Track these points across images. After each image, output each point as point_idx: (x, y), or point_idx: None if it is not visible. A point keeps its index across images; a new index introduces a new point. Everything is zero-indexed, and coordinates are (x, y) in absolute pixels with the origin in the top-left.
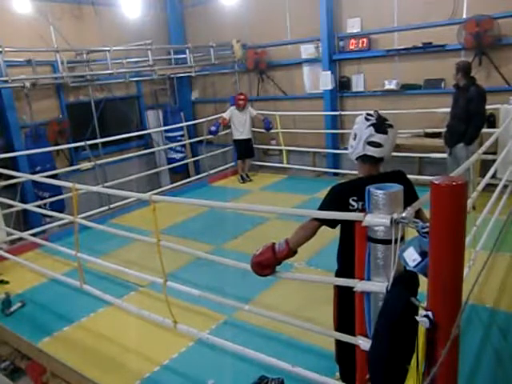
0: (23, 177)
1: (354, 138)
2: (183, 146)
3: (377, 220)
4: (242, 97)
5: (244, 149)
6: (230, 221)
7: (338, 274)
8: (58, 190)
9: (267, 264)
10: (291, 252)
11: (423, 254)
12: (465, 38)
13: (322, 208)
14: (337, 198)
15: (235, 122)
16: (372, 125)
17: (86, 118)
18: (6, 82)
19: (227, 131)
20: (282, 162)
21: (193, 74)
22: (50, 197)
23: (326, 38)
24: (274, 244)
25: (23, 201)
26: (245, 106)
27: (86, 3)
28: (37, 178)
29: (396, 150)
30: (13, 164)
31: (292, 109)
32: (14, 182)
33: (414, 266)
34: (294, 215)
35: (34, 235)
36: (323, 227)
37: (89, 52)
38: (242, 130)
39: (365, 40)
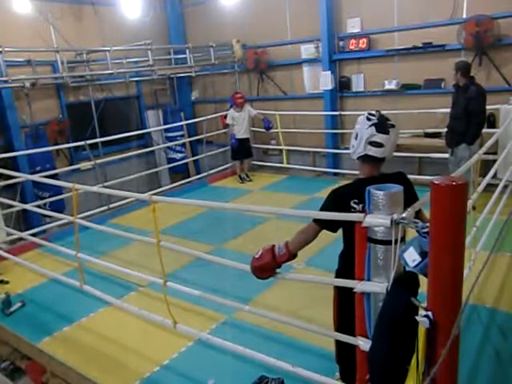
0: (23, 177)
1: (356, 138)
2: (183, 145)
3: (377, 221)
4: (239, 95)
5: (242, 148)
6: (229, 221)
7: (338, 274)
8: (57, 189)
9: (267, 268)
10: (291, 256)
11: (423, 254)
12: (465, 38)
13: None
14: (338, 202)
15: (234, 121)
16: (373, 125)
17: (86, 118)
18: (6, 81)
19: (226, 130)
20: (282, 162)
21: (193, 74)
22: (49, 197)
23: (326, 38)
24: (273, 247)
25: (23, 201)
26: (243, 104)
27: (86, 3)
28: (37, 178)
29: (396, 149)
30: (13, 164)
31: (292, 109)
32: (13, 182)
33: (414, 267)
34: (293, 216)
35: (33, 235)
36: (324, 230)
37: (89, 52)
38: (239, 128)
39: (365, 40)
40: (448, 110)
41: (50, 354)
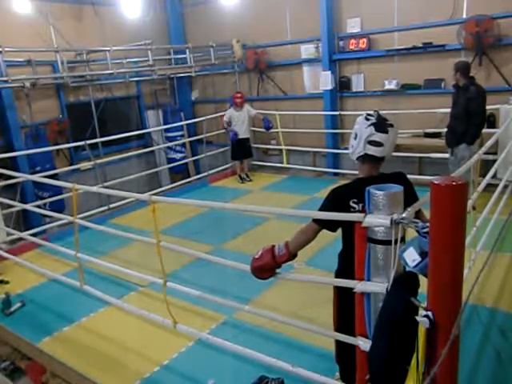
0: (23, 177)
1: (355, 138)
2: (183, 145)
3: (377, 221)
4: (238, 95)
5: (242, 148)
6: (229, 221)
7: (338, 275)
8: (57, 189)
9: (267, 268)
10: (291, 256)
11: (423, 254)
12: (465, 38)
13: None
14: (337, 201)
15: (233, 121)
16: (372, 124)
17: (86, 118)
18: (5, 82)
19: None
20: (282, 162)
21: (193, 74)
22: (49, 197)
23: (326, 38)
24: (273, 247)
25: (23, 201)
26: (242, 104)
27: (86, 3)
28: (37, 178)
29: (396, 149)
30: (13, 164)
31: (292, 109)
32: (13, 182)
33: (414, 266)
34: (293, 216)
35: (34, 235)
36: (324, 230)
37: (89, 52)
38: (239, 128)
39: (365, 40)
40: (448, 110)
41: (50, 354)
